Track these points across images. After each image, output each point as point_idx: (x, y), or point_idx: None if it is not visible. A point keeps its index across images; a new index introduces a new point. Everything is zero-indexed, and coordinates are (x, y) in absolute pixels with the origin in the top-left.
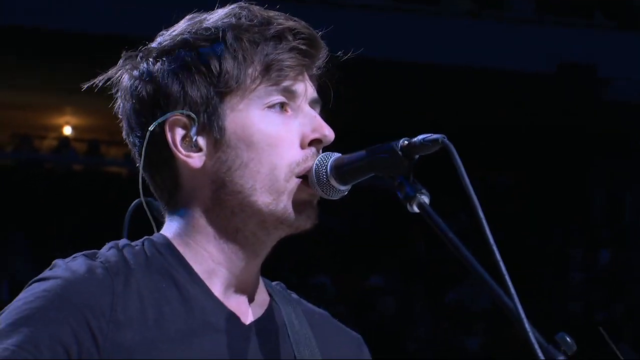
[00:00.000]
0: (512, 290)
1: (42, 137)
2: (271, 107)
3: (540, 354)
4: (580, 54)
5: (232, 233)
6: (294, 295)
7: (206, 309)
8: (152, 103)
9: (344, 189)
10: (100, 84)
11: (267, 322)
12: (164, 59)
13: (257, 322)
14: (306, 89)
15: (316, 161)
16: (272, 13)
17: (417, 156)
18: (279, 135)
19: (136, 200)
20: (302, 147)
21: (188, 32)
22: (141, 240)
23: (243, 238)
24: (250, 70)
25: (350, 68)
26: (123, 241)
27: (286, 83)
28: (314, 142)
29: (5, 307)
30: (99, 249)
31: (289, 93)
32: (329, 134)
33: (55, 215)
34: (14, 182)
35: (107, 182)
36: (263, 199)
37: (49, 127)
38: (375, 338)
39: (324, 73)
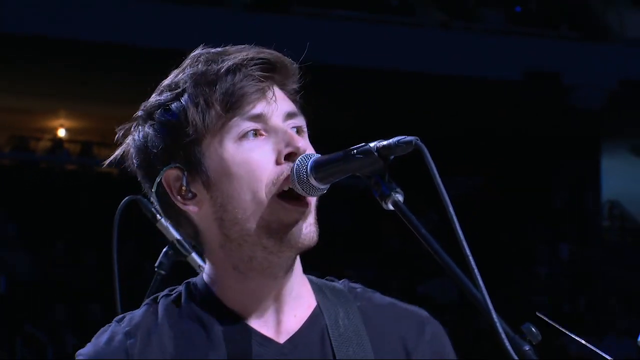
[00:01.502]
0: (481, 283)
1: (37, 139)
2: (243, 136)
3: (507, 344)
4: (546, 62)
5: (247, 263)
6: (359, 290)
7: (235, 341)
8: (148, 164)
9: (323, 187)
10: (118, 158)
11: (304, 334)
12: (148, 123)
13: (292, 338)
14: (273, 108)
15: (296, 162)
16: (232, 49)
17: (391, 157)
18: (253, 161)
19: (126, 198)
20: (278, 162)
21: (164, 90)
22: (182, 285)
23: (258, 265)
24: (212, 112)
25: (328, 76)
26: (164, 292)
27: (248, 108)
28: (290, 156)
29: None
30: (90, 244)
31: (256, 117)
32: (301, 145)
33: (49, 210)
34: (12, 180)
35: (99, 180)
36: (257, 225)
37: (44, 130)
38: None
39: (301, 84)
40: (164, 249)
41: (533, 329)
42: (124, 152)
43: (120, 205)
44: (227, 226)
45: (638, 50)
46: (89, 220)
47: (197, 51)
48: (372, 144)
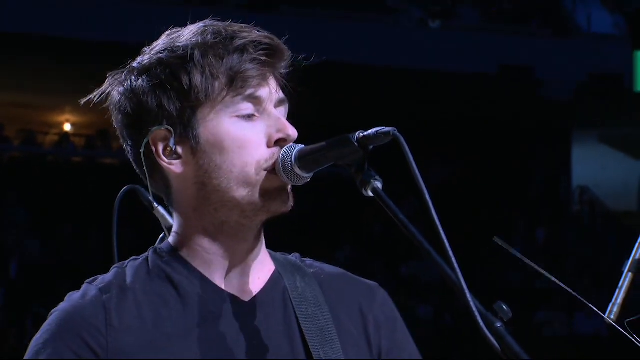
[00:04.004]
0: (455, 265)
1: (45, 133)
2: (240, 115)
3: (480, 320)
4: (520, 57)
5: (218, 226)
6: (308, 262)
7: (205, 300)
8: (136, 118)
9: (307, 176)
10: (95, 97)
11: (267, 293)
12: (144, 77)
13: (256, 297)
14: (270, 93)
15: (282, 152)
16: (236, 27)
17: (371, 147)
18: (247, 138)
19: (125, 187)
20: (269, 146)
21: (164, 50)
22: (148, 250)
23: (229, 228)
24: (217, 84)
25: (316, 70)
26: (130, 259)
27: (250, 91)
28: (279, 142)
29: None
30: (94, 229)
31: (254, 99)
32: (292, 133)
33: (56, 199)
34: (22, 171)
35: (101, 172)
36: (240, 193)
37: (51, 124)
38: None
39: (289, 75)
40: (161, 235)
41: (504, 307)
42: (108, 94)
43: (119, 194)
44: (208, 191)
45: (605, 45)
46: (92, 207)
47: (203, 22)
48: (352, 135)
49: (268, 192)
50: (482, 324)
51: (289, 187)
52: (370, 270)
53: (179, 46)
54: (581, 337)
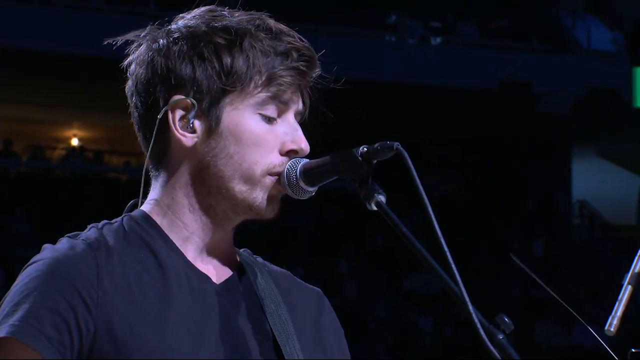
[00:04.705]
0: (458, 277)
1: (52, 148)
2: (264, 116)
3: (482, 333)
4: (518, 73)
5: (205, 208)
6: (259, 259)
7: (181, 273)
8: (163, 77)
9: (312, 190)
10: (118, 43)
11: (236, 281)
12: (183, 42)
13: (226, 282)
14: (297, 103)
15: (287, 166)
16: (284, 29)
17: (375, 161)
18: (264, 139)
19: (132, 201)
20: (281, 153)
21: (208, 25)
22: (120, 217)
23: (214, 214)
24: (256, 77)
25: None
26: (102, 222)
27: (282, 97)
28: (290, 152)
29: (7, 293)
30: None
31: (282, 104)
32: (305, 147)
33: (64, 213)
34: (30, 185)
35: (108, 186)
36: (239, 187)
37: (59, 139)
38: (340, 318)
39: (314, 91)
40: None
41: (506, 319)
42: (137, 43)
43: (126, 208)
44: (210, 173)
45: (604, 61)
46: (99, 221)
47: (253, 12)
48: (356, 149)
49: (265, 197)
50: (484, 335)
51: (281, 195)
52: (370, 282)
53: (228, 27)
54: (580, 349)
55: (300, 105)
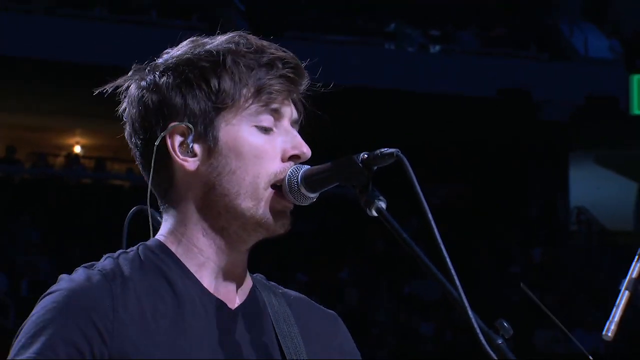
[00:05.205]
0: (458, 283)
1: (55, 155)
2: (259, 126)
3: (482, 338)
4: (518, 80)
5: (218, 231)
6: (273, 283)
7: (196, 300)
8: (156, 110)
9: (313, 196)
10: (109, 91)
11: (250, 305)
12: (169, 73)
13: (241, 306)
14: (290, 111)
15: (288, 172)
16: (265, 43)
17: (375, 167)
18: (264, 149)
19: (134, 208)
20: (283, 160)
21: (191, 52)
22: (135, 246)
23: (227, 236)
24: (244, 91)
25: (321, 94)
26: (118, 251)
27: (274, 105)
28: (293, 158)
29: (23, 324)
30: (103, 248)
31: (276, 113)
32: (306, 151)
33: (67, 220)
34: (33, 193)
35: (111, 193)
36: (245, 203)
37: (61, 147)
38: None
39: (305, 97)
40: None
41: (505, 324)
42: (127, 86)
43: (128, 215)
44: (216, 194)
45: (601, 69)
46: (102, 228)
47: (234, 33)
48: (357, 156)
49: (272, 213)
50: (483, 340)
51: (289, 210)
52: (372, 288)
53: (210, 50)
54: (579, 355)
55: (295, 114)
